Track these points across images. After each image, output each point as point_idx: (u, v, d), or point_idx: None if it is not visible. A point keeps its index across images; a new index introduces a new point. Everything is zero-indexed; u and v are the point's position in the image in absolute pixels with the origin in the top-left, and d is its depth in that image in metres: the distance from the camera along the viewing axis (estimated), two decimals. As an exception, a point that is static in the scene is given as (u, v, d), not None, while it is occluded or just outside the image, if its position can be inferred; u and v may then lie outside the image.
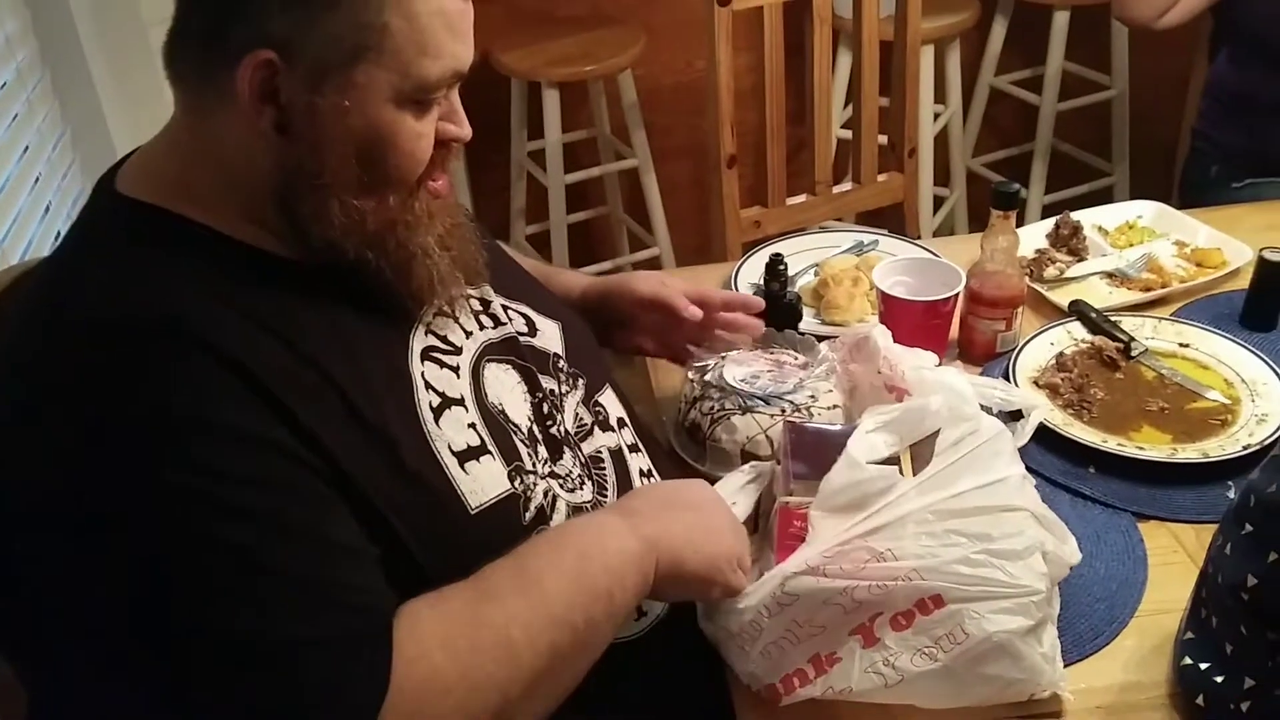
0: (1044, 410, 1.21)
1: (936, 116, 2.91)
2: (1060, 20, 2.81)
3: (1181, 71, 2.55)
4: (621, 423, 1.11)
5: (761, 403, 1.20)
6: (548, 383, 1.03)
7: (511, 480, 0.93)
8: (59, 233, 1.55)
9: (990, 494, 0.95)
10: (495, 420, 0.96)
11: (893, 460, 1.00)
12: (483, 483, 0.91)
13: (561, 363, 1.07)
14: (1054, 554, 0.96)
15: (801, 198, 2.06)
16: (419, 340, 0.95)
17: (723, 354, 1.24)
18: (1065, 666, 0.95)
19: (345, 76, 0.83)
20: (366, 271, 0.90)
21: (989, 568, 0.90)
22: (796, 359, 1.26)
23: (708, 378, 1.23)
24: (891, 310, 1.34)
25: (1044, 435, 1.21)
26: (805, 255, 1.61)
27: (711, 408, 1.21)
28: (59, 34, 1.67)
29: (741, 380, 1.22)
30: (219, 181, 0.87)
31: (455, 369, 0.96)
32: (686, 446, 1.24)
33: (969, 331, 1.39)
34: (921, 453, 1.01)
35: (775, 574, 0.92)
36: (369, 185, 0.87)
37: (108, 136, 1.74)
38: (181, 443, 0.77)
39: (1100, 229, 1.64)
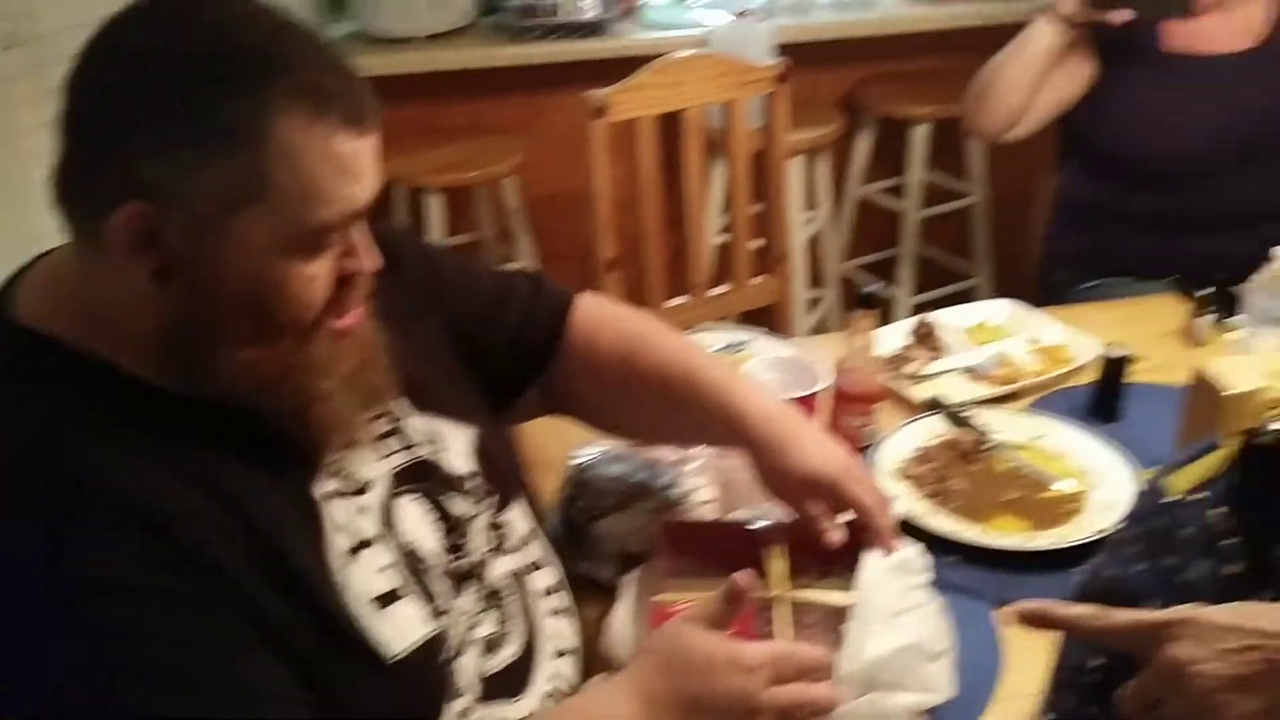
0: (903, 503, 1.25)
1: (808, 222, 3.03)
2: (919, 133, 2.97)
3: (1035, 180, 2.71)
4: (532, 535, 1.08)
5: (637, 500, 1.22)
6: (456, 508, 1.00)
7: (430, 621, 0.91)
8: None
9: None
10: (410, 559, 0.93)
11: None
12: (401, 629, 0.88)
13: (474, 481, 1.03)
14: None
15: (682, 299, 2.12)
16: (323, 484, 0.91)
17: (597, 453, 1.26)
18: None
19: (225, 227, 0.78)
20: (262, 417, 0.86)
21: (920, 666, 0.93)
22: (671, 454, 1.29)
23: (584, 476, 1.25)
24: (762, 407, 1.38)
25: (909, 528, 1.25)
26: (681, 355, 1.64)
27: (588, 505, 1.23)
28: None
29: (616, 477, 1.24)
30: (113, 318, 0.83)
31: (364, 509, 0.92)
32: (564, 546, 1.25)
33: (837, 426, 1.44)
34: None
35: None
36: (258, 334, 0.83)
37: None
38: (80, 607, 0.75)
39: (958, 328, 1.72)
